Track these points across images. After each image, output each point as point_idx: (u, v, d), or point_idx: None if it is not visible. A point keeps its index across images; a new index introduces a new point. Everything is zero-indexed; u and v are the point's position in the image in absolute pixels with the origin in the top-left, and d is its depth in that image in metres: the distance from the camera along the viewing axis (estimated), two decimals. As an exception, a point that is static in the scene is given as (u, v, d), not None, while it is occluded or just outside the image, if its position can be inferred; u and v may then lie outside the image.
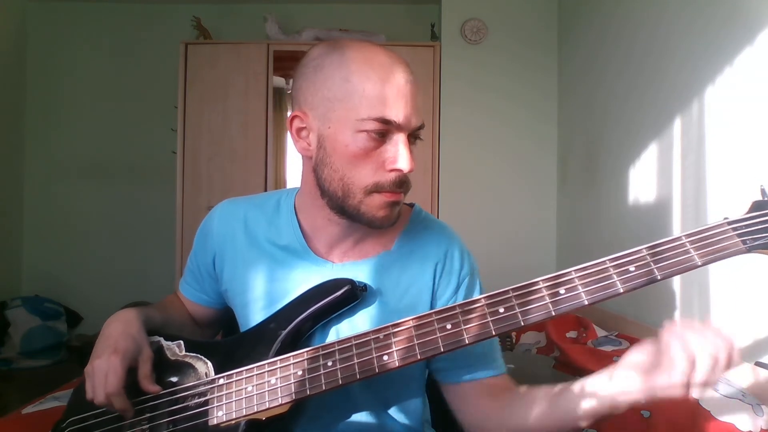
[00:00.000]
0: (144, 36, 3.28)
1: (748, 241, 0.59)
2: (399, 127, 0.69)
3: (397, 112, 0.68)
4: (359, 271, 0.78)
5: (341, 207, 0.73)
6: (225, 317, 0.93)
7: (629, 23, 1.92)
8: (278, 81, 2.80)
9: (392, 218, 0.73)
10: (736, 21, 1.28)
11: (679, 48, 1.55)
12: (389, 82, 0.68)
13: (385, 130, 0.68)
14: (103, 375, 0.70)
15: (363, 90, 0.67)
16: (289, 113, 0.76)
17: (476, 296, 0.82)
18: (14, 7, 3.20)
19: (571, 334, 1.72)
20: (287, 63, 2.78)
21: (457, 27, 2.79)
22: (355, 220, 0.74)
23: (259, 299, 0.80)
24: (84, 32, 3.30)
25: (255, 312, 0.79)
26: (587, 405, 0.64)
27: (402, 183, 0.71)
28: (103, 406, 0.71)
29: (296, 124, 0.74)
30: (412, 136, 0.72)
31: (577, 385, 0.66)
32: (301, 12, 3.20)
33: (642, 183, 1.79)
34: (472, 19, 2.78)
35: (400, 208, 0.75)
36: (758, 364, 1.12)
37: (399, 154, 0.69)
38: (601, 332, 1.65)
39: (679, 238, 0.61)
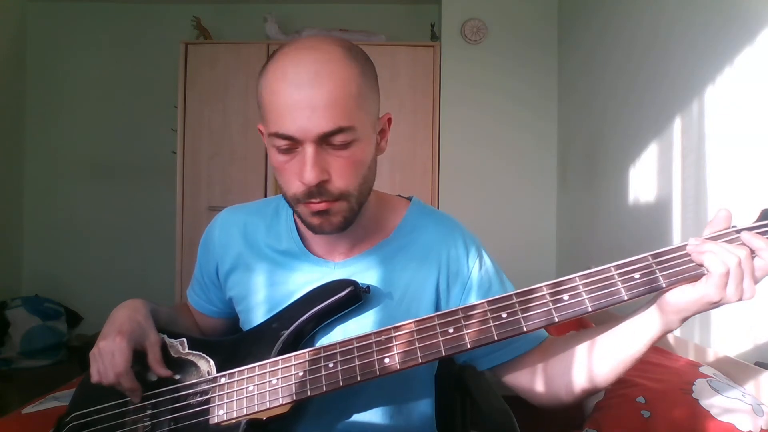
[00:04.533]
0: (144, 36, 3.28)
1: None
2: (299, 139, 0.65)
3: (289, 125, 0.64)
4: (361, 266, 0.78)
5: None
6: (231, 328, 0.93)
7: (629, 23, 1.92)
8: (278, 81, 2.80)
9: (334, 224, 0.70)
10: (736, 21, 1.28)
11: (679, 48, 1.55)
12: (283, 93, 0.64)
13: (288, 145, 0.66)
14: (110, 355, 0.71)
15: (269, 103, 0.66)
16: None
17: (489, 270, 0.82)
18: (14, 7, 3.20)
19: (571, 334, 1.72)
20: (287, 63, 2.78)
21: (457, 27, 2.79)
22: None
23: (262, 303, 0.80)
24: (84, 32, 3.30)
25: (259, 316, 0.80)
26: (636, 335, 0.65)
27: (311, 194, 0.67)
28: (112, 386, 0.71)
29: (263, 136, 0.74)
30: (327, 144, 0.65)
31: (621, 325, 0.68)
32: (301, 12, 3.20)
33: (642, 183, 1.79)
34: (472, 19, 2.78)
35: (347, 215, 0.70)
36: (758, 364, 1.12)
37: (302, 167, 0.66)
38: (601, 332, 1.65)
39: (685, 246, 0.60)
